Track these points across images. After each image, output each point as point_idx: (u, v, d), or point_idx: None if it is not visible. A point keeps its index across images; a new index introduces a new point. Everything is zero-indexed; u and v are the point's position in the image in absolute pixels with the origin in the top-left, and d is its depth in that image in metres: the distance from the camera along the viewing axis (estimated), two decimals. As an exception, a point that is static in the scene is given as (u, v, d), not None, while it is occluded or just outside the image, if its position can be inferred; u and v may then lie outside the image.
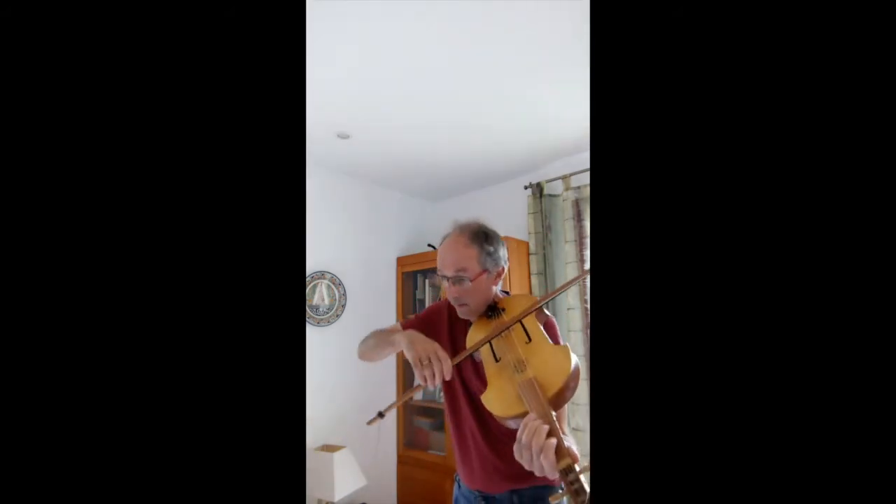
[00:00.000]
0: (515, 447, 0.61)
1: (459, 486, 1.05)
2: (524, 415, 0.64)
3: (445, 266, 0.92)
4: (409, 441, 2.45)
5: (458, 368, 0.99)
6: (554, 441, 0.58)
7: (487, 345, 0.81)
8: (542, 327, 0.83)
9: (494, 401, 0.72)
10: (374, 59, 1.42)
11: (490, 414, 0.92)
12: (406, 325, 1.06)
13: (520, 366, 0.73)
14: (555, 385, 0.67)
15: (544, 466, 0.57)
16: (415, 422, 2.47)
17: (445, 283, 0.93)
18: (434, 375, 0.75)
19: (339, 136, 1.94)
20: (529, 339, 0.79)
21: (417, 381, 0.77)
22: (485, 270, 0.92)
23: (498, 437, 0.93)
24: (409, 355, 0.80)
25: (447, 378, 0.75)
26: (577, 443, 1.89)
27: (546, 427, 0.59)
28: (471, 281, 0.90)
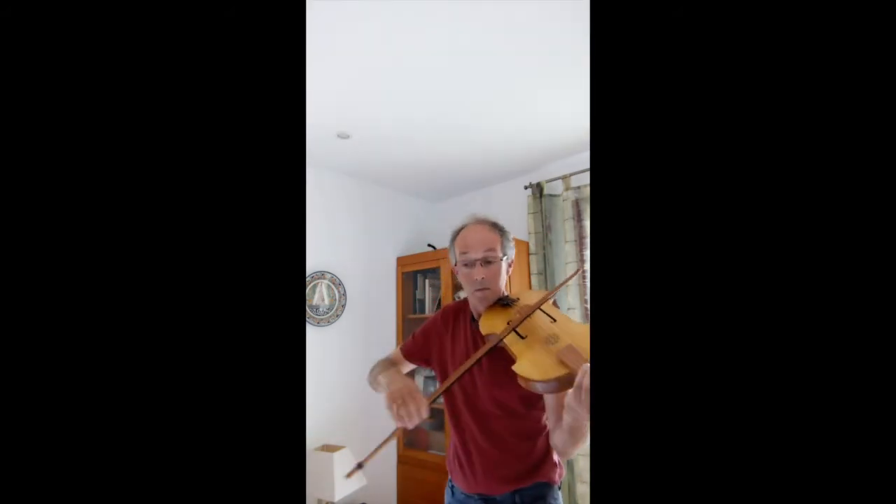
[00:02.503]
0: (574, 393, 0.62)
1: (454, 493, 1.02)
2: (563, 377, 0.65)
3: (473, 248, 0.93)
4: (409, 441, 2.45)
5: (455, 367, 0.98)
6: None
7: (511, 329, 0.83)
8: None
9: (530, 367, 0.72)
10: (375, 59, 1.42)
11: (491, 413, 0.93)
12: (404, 349, 1.07)
13: (552, 338, 0.75)
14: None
15: None
16: (415, 422, 2.47)
17: (466, 270, 0.93)
18: (410, 415, 0.75)
19: (339, 136, 1.94)
20: (554, 320, 0.82)
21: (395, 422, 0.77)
22: (505, 255, 0.96)
23: (501, 436, 0.92)
24: (385, 397, 0.80)
25: (422, 418, 0.75)
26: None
27: None
28: (499, 259, 0.93)
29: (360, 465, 0.71)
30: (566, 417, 0.74)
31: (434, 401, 0.76)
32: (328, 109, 1.72)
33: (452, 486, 1.03)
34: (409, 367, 1.07)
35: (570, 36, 1.32)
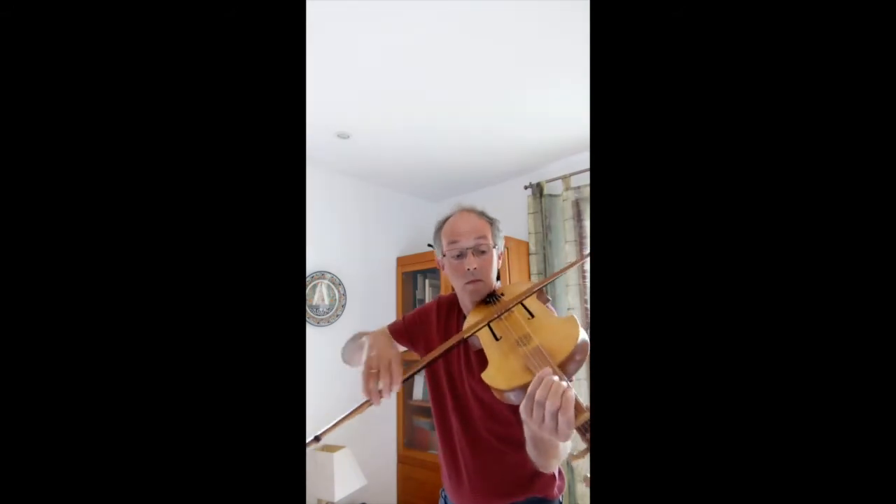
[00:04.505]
0: (525, 404, 0.55)
1: (446, 502, 0.95)
2: (528, 385, 0.58)
3: (463, 236, 0.85)
4: (409, 441, 2.45)
5: (446, 369, 0.92)
6: (573, 395, 0.52)
7: (487, 328, 0.76)
8: (545, 305, 0.80)
9: (496, 374, 0.66)
10: (375, 58, 1.42)
11: (480, 419, 0.86)
12: (392, 328, 0.98)
13: (524, 339, 0.68)
14: (564, 351, 0.62)
15: (559, 424, 0.51)
16: (415, 422, 2.47)
17: (456, 262, 0.86)
18: (379, 392, 0.65)
19: (339, 136, 1.94)
20: (532, 316, 0.75)
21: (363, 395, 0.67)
22: (496, 245, 0.88)
23: (491, 444, 0.86)
24: (363, 359, 0.71)
25: (387, 395, 0.66)
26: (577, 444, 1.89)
27: (563, 382, 0.53)
28: (491, 248, 0.86)
29: (317, 438, 0.62)
30: (525, 428, 0.66)
31: (407, 379, 0.69)
32: (328, 109, 1.72)
33: (445, 498, 0.96)
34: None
35: (570, 37, 1.32)
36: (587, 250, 2.04)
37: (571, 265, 0.91)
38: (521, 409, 0.56)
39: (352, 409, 0.64)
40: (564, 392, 0.52)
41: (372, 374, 0.67)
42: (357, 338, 0.94)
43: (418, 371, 0.71)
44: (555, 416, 0.51)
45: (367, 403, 0.66)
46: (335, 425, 0.63)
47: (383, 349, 0.72)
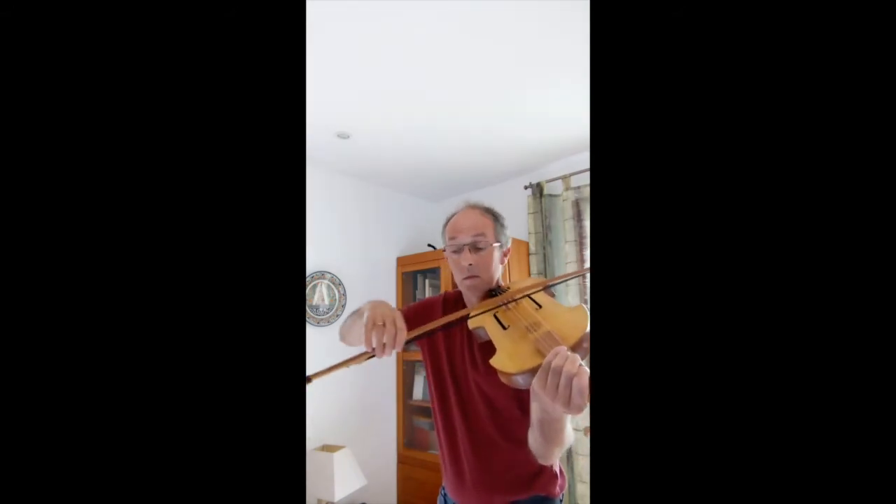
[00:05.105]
0: (539, 375, 0.56)
1: (446, 500, 0.95)
2: (539, 367, 0.59)
3: (462, 232, 0.88)
4: (409, 441, 2.45)
5: (450, 364, 0.92)
6: (587, 370, 0.53)
7: (493, 318, 0.76)
8: (550, 298, 0.81)
9: (506, 359, 0.66)
10: (375, 58, 1.42)
11: (483, 415, 0.86)
12: None
13: (534, 326, 0.69)
14: (574, 337, 0.63)
15: (573, 393, 0.52)
16: (415, 422, 2.47)
17: (455, 256, 0.88)
18: (384, 345, 0.65)
19: (339, 136, 1.94)
20: (540, 306, 0.76)
21: (365, 346, 0.67)
22: (498, 242, 0.90)
23: (493, 440, 0.86)
24: (365, 317, 0.70)
25: (397, 349, 0.66)
26: (578, 442, 1.89)
27: (577, 355, 0.55)
28: (491, 245, 0.88)
29: (308, 379, 0.60)
30: (533, 408, 0.66)
31: (413, 339, 0.69)
32: (328, 109, 1.72)
33: (445, 495, 0.96)
34: None
35: (570, 37, 1.33)
36: (587, 250, 2.05)
37: (578, 273, 0.92)
38: (535, 382, 0.57)
39: (349, 357, 0.65)
40: (580, 363, 0.53)
41: (378, 327, 0.67)
42: (355, 311, 0.93)
43: (426, 334, 0.72)
44: (569, 383, 0.52)
45: (366, 355, 0.66)
46: (329, 369, 0.63)
47: (386, 307, 0.73)
